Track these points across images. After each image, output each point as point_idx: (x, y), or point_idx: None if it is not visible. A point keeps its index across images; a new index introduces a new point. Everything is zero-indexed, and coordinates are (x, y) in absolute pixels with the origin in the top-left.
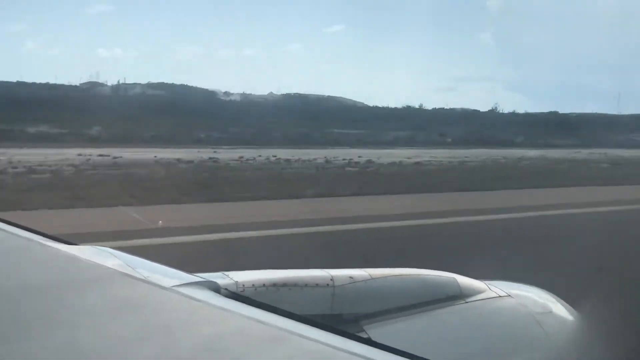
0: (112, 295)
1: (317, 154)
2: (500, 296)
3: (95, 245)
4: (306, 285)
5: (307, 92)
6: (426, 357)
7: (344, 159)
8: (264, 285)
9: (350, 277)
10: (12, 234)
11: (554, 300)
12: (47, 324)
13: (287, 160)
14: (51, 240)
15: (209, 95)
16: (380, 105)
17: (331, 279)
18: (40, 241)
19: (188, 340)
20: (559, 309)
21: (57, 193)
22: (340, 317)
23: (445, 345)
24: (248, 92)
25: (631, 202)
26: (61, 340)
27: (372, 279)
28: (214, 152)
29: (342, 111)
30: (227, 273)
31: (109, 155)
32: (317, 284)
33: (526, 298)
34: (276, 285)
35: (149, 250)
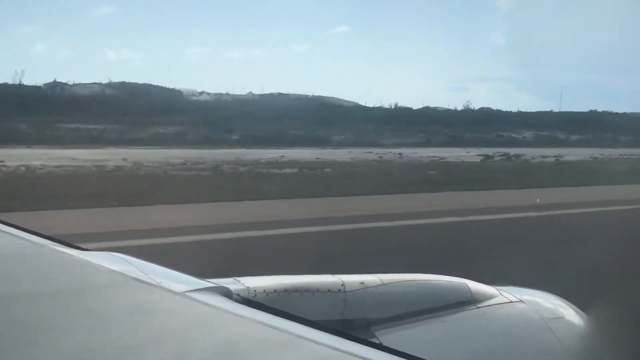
0: (125, 300)
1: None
2: (511, 302)
3: (108, 251)
4: (317, 290)
5: (292, 92)
6: None
7: None
8: (275, 290)
9: (362, 283)
10: (26, 240)
11: (566, 305)
12: (61, 329)
13: None
14: (65, 246)
15: (170, 95)
16: (385, 107)
17: (342, 285)
18: (54, 247)
19: (200, 346)
20: (571, 314)
21: None
22: (351, 323)
23: (457, 351)
24: (230, 92)
25: None
26: (75, 346)
27: (383, 284)
28: None
29: (310, 110)
30: (238, 278)
31: None
32: (328, 290)
33: (538, 304)
34: (287, 291)
35: None
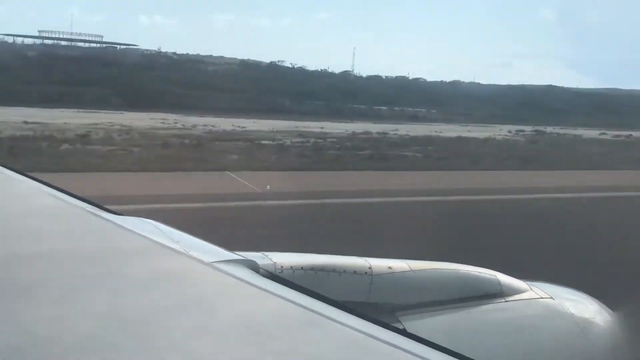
0: (154, 266)
1: None
2: (542, 297)
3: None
4: (344, 271)
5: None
6: (461, 353)
7: None
8: (302, 268)
9: (389, 267)
10: (64, 202)
11: (595, 304)
12: (88, 290)
13: None
14: (100, 209)
15: None
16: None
17: (369, 268)
18: (90, 210)
19: (224, 316)
20: (600, 313)
21: None
22: (376, 306)
23: (482, 342)
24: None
25: None
26: (103, 307)
27: (411, 270)
28: None
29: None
30: (267, 253)
31: None
32: (355, 272)
33: (567, 301)
34: (314, 269)
35: None
